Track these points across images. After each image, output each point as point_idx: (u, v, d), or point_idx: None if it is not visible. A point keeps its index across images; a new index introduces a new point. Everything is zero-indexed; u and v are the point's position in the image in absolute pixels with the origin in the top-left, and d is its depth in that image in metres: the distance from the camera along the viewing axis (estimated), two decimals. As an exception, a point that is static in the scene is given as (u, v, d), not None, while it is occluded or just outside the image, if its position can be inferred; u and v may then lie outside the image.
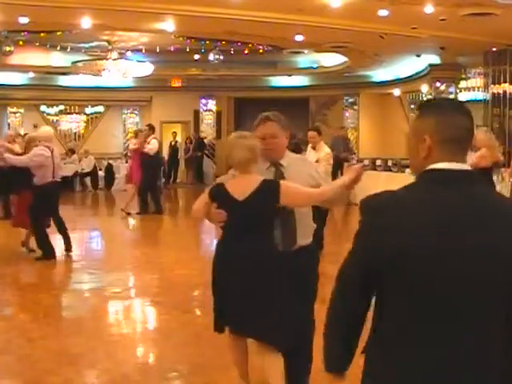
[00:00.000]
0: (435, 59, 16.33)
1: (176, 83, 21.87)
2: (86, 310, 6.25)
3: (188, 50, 17.21)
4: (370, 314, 1.88)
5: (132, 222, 13.60)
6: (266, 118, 3.94)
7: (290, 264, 3.66)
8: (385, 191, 1.87)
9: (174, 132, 20.32)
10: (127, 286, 7.33)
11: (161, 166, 16.74)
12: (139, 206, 13.72)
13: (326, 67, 19.95)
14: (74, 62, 18.37)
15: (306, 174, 3.91)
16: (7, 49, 15.26)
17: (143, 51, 17.62)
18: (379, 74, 20.28)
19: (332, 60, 18.82)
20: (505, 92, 14.42)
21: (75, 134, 23.08)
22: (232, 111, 23.58)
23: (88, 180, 19.63)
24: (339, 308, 1.93)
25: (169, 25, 13.02)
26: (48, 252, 8.59)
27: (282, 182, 3.68)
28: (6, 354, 4.98)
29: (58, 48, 17.24)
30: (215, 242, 4.23)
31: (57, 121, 22.99)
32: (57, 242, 8.84)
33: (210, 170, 21.37)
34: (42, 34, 14.94)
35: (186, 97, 22.06)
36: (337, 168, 14.24)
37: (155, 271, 7.85)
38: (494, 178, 11.63)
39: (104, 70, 17.29)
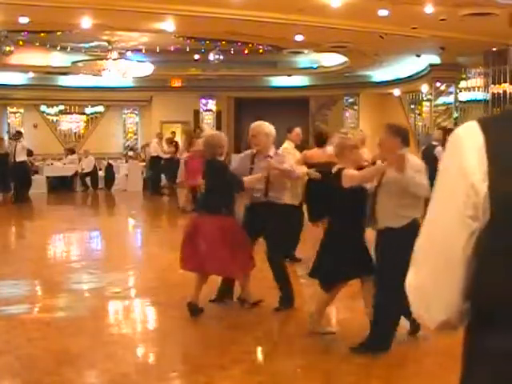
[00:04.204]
0: (435, 59, 16.32)
1: (176, 83, 21.86)
2: (86, 309, 6.25)
3: (188, 49, 17.19)
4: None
5: (132, 222, 13.61)
6: None
7: None
8: None
9: (173, 132, 20.29)
10: (127, 286, 7.32)
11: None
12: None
13: (326, 67, 19.94)
14: (74, 62, 18.36)
15: None
16: (7, 49, 15.24)
17: (143, 51, 17.62)
18: (379, 74, 20.28)
19: (332, 60, 18.81)
20: (505, 92, 14.40)
21: (75, 133, 23.09)
22: (232, 111, 23.58)
23: (88, 180, 19.62)
24: None
25: (169, 25, 13.01)
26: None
27: None
28: (6, 353, 4.98)
29: (58, 48, 17.22)
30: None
31: (57, 121, 23.01)
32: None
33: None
34: (42, 34, 14.93)
35: (186, 97, 22.05)
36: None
37: (155, 271, 7.84)
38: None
39: (104, 69, 17.28)
